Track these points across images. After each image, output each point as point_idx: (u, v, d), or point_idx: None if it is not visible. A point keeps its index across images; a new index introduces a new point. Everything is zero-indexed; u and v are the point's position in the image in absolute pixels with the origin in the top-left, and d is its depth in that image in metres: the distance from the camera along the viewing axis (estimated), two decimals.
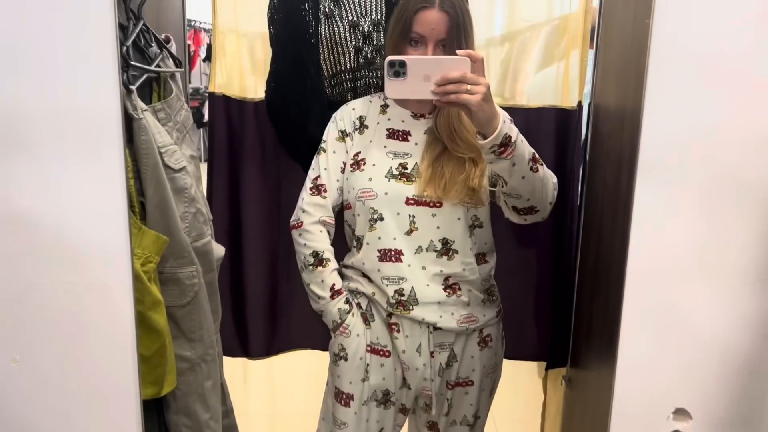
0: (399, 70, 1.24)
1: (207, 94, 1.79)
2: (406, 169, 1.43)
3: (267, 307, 1.88)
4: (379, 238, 1.43)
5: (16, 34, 1.02)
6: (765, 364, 1.08)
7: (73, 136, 1.05)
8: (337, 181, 1.49)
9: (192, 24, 6.35)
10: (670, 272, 1.07)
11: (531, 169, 1.32)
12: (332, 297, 1.46)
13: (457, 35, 1.34)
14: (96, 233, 1.08)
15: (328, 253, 1.47)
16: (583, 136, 1.69)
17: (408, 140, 1.46)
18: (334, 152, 1.50)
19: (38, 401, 1.13)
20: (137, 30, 1.33)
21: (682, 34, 1.01)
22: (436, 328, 1.44)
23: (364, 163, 1.45)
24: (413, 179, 1.42)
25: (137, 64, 1.29)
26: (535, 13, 1.74)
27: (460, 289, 1.45)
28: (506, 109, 1.45)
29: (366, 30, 1.65)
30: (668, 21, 1.01)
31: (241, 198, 1.80)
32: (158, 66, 1.41)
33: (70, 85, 1.03)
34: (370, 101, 1.53)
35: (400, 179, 1.43)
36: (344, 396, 1.49)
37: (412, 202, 1.42)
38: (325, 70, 1.69)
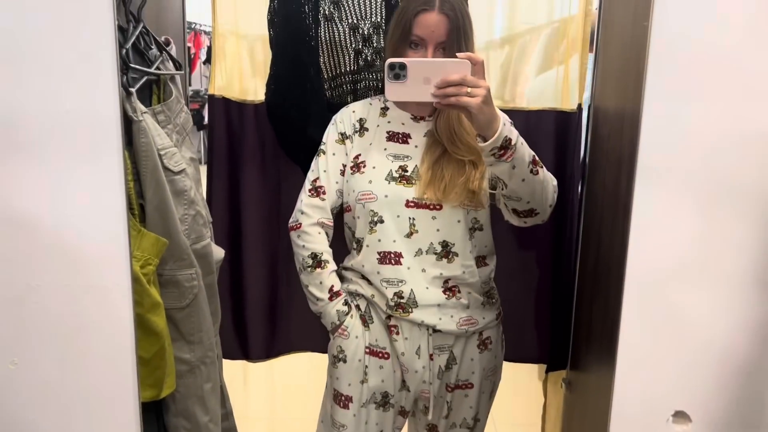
0: (399, 72, 1.24)
1: (207, 97, 1.79)
2: (406, 171, 1.43)
3: (267, 310, 1.88)
4: (379, 240, 1.43)
5: (16, 36, 1.02)
6: (764, 366, 1.08)
7: (73, 138, 1.05)
8: (336, 183, 1.49)
9: (192, 26, 6.36)
10: (670, 274, 1.07)
11: (531, 171, 1.32)
12: (331, 299, 1.46)
13: (457, 38, 1.34)
14: (95, 235, 1.08)
15: (327, 254, 1.47)
16: (582, 139, 1.69)
17: (408, 143, 1.46)
18: (333, 154, 1.50)
19: (37, 404, 1.13)
20: (137, 32, 1.34)
21: (681, 36, 1.01)
22: (435, 331, 1.44)
23: (364, 166, 1.45)
24: (413, 182, 1.42)
25: (137, 67, 1.29)
26: (535, 16, 1.74)
27: (459, 291, 1.45)
28: (506, 111, 1.45)
29: (366, 32, 1.65)
30: (667, 23, 1.01)
31: (240, 200, 1.80)
32: (158, 68, 1.41)
33: (69, 87, 1.03)
34: (370, 104, 1.53)
35: (400, 182, 1.43)
36: (343, 398, 1.49)
37: (412, 204, 1.42)
38: (325, 73, 1.69)
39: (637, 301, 1.09)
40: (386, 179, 1.43)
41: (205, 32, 6.53)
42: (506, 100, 1.78)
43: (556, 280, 1.78)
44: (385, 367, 1.48)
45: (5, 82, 1.03)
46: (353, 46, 1.66)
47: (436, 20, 1.34)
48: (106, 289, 1.09)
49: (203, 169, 1.64)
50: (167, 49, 1.51)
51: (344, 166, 1.49)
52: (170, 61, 1.53)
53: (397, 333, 1.45)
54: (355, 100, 1.67)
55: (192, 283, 1.32)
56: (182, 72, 1.59)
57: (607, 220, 1.32)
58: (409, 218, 1.42)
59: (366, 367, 1.48)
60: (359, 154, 1.47)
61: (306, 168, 1.54)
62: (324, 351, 1.64)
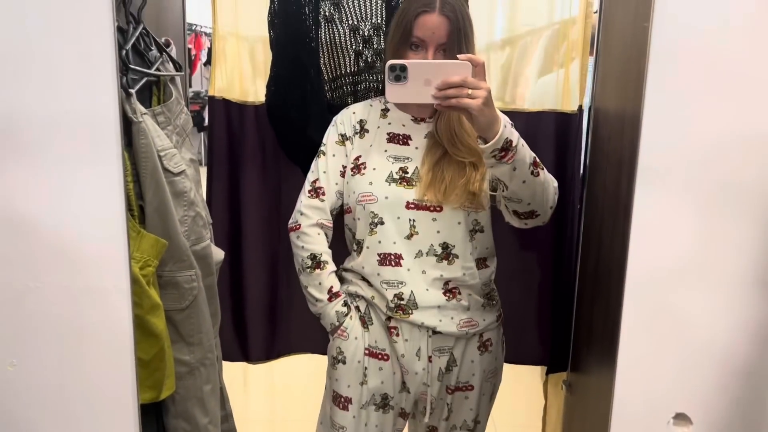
0: (400, 74, 1.24)
1: (207, 98, 1.79)
2: (407, 173, 1.43)
3: (266, 311, 1.88)
4: (379, 242, 1.43)
5: (16, 37, 1.02)
6: (764, 367, 1.08)
7: (72, 139, 1.05)
8: (336, 184, 1.49)
9: (193, 28, 6.37)
10: (670, 276, 1.07)
11: (532, 173, 1.32)
12: (330, 300, 1.46)
13: (457, 39, 1.34)
14: (94, 236, 1.08)
15: (326, 255, 1.46)
16: (583, 140, 1.69)
17: (408, 144, 1.46)
18: (333, 155, 1.49)
19: (35, 405, 1.12)
20: (137, 33, 1.34)
21: (682, 38, 1.01)
22: (435, 332, 1.44)
23: (365, 167, 1.45)
24: (414, 183, 1.42)
25: (137, 68, 1.29)
26: (535, 18, 1.74)
27: (460, 293, 1.44)
28: (507, 113, 1.45)
29: (366, 34, 1.65)
30: (667, 25, 1.01)
31: (240, 201, 1.80)
32: (158, 70, 1.41)
33: (69, 88, 1.03)
34: (371, 105, 1.53)
35: (400, 183, 1.42)
36: (342, 399, 1.48)
37: (412, 206, 1.41)
38: (325, 74, 1.69)
39: (637, 302, 1.08)
40: (386, 181, 1.43)
41: (206, 33, 6.54)
42: (507, 102, 1.78)
43: (557, 282, 1.78)
44: (384, 368, 1.47)
45: (5, 82, 1.03)
46: (353, 47, 1.66)
47: (437, 22, 1.34)
48: (106, 291, 1.09)
49: (203, 171, 1.64)
50: (167, 50, 1.51)
51: (344, 167, 1.49)
52: (170, 63, 1.53)
53: (397, 334, 1.45)
54: (355, 101, 1.67)
55: (192, 284, 1.32)
56: (182, 73, 1.59)
57: (607, 221, 1.31)
58: (410, 220, 1.41)
59: (365, 368, 1.47)
60: (359, 156, 1.47)
61: (306, 169, 1.54)
62: (324, 352, 1.64)
